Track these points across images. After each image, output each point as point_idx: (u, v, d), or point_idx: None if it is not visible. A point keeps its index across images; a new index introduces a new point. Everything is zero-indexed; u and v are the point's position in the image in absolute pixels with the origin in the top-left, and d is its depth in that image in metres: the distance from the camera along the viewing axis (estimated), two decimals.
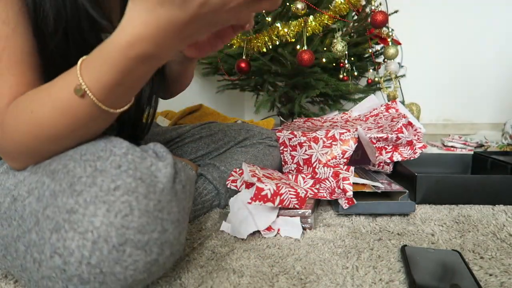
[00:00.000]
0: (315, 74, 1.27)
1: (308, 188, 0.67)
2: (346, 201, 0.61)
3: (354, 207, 0.62)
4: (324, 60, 1.18)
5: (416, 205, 0.69)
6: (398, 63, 1.49)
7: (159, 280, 0.42)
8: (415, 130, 0.87)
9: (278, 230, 0.56)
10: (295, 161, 0.81)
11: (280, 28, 1.07)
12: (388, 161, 0.81)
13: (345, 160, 0.78)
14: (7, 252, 0.36)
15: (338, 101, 1.54)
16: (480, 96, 2.02)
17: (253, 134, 0.79)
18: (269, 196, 0.56)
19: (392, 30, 1.38)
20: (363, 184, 0.68)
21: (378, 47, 1.53)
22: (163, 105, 1.39)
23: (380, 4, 1.43)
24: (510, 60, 1.96)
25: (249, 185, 0.63)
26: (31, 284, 0.34)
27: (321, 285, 0.41)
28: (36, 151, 0.37)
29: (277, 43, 1.09)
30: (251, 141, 0.78)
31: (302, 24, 1.05)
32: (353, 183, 0.65)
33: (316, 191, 0.66)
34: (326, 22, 1.05)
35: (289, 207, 0.57)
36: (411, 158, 0.80)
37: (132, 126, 0.58)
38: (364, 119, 0.98)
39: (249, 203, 0.55)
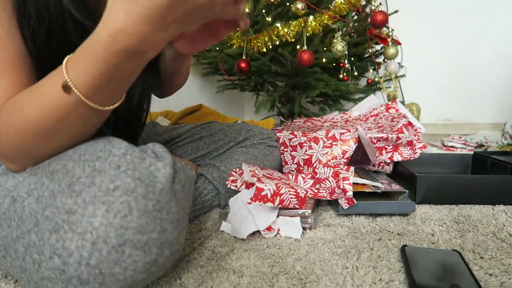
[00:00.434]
0: (315, 74, 1.27)
1: (308, 188, 0.67)
2: (346, 201, 0.61)
3: (354, 207, 0.62)
4: (324, 60, 1.18)
5: (416, 205, 0.69)
6: (398, 63, 1.49)
7: (159, 280, 0.42)
8: (415, 130, 0.87)
9: (278, 230, 0.56)
10: (295, 161, 0.81)
11: (280, 28, 1.07)
12: (388, 161, 0.81)
13: (345, 160, 0.78)
14: (6, 253, 0.36)
15: (338, 101, 1.54)
16: (480, 96, 2.02)
17: (254, 135, 0.79)
18: (269, 196, 0.56)
19: (392, 30, 1.38)
20: (363, 184, 0.67)
21: (378, 47, 1.53)
22: (163, 105, 1.39)
23: (380, 4, 1.43)
24: (510, 60, 1.96)
25: (249, 185, 0.63)
26: (31, 285, 0.34)
27: (321, 285, 0.41)
28: (28, 151, 0.37)
29: (277, 43, 1.09)
30: (251, 141, 0.78)
31: (302, 24, 1.05)
32: (353, 183, 0.65)
33: (316, 191, 0.66)
34: (326, 22, 1.05)
35: (289, 207, 0.57)
36: (411, 158, 0.80)
37: (126, 122, 0.58)
38: (364, 119, 0.98)
39: (249, 203, 0.55)
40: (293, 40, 1.08)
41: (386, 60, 1.40)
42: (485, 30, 1.96)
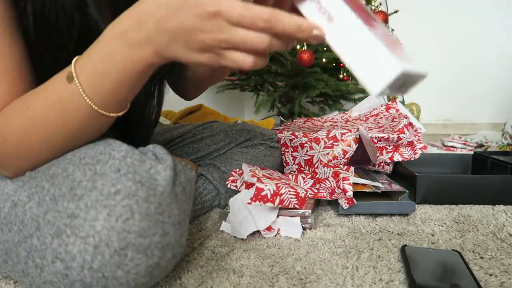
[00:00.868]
0: (315, 74, 1.27)
1: (308, 188, 0.67)
2: (346, 201, 0.61)
3: (354, 207, 0.62)
4: (324, 60, 1.18)
5: (416, 205, 0.69)
6: None
7: (159, 281, 0.42)
8: (415, 130, 0.87)
9: (278, 230, 0.56)
10: (296, 162, 0.82)
11: None
12: (389, 161, 0.81)
13: (345, 160, 0.78)
14: (7, 257, 0.36)
15: (338, 101, 1.54)
16: (480, 96, 2.03)
17: (255, 135, 0.79)
18: (269, 196, 0.56)
19: (392, 30, 1.38)
20: (363, 184, 0.68)
21: None
22: (163, 105, 1.39)
23: (380, 4, 1.43)
24: (510, 60, 1.96)
25: (249, 185, 0.63)
26: None
27: (321, 285, 0.41)
28: (27, 152, 0.37)
29: None
30: (252, 142, 0.78)
31: None
32: (353, 183, 0.65)
33: (316, 191, 0.66)
34: None
35: (289, 207, 0.58)
36: (412, 159, 0.80)
37: (135, 127, 0.58)
38: (364, 119, 0.98)
39: (249, 203, 0.55)
40: None
41: None
42: (485, 30, 1.96)
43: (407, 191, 0.64)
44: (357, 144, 0.78)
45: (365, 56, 0.30)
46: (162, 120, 1.26)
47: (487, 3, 1.93)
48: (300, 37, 0.31)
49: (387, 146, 0.81)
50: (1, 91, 0.38)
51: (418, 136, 0.86)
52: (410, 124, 0.82)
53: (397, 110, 0.97)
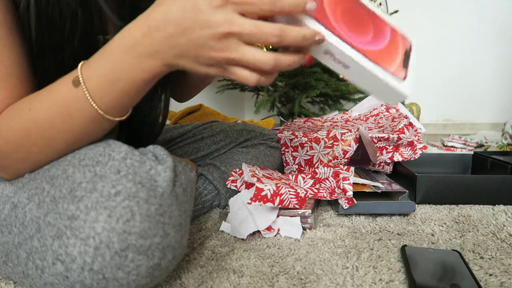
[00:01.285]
0: (315, 74, 1.28)
1: (308, 188, 0.67)
2: (346, 201, 0.61)
3: (354, 207, 0.62)
4: None
5: (416, 205, 0.69)
6: None
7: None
8: (415, 130, 0.87)
9: (278, 230, 0.56)
10: (296, 161, 0.82)
11: None
12: (389, 161, 0.81)
13: (346, 160, 0.78)
14: (8, 259, 0.36)
15: (338, 101, 1.54)
16: (480, 96, 2.03)
17: (255, 135, 0.79)
18: (269, 196, 0.56)
19: None
20: (363, 184, 0.68)
21: None
22: None
23: (380, 4, 1.43)
24: (510, 60, 1.96)
25: (249, 185, 0.63)
26: None
27: (321, 285, 0.41)
28: (27, 154, 0.37)
29: None
30: (252, 142, 0.78)
31: None
32: (353, 183, 0.65)
33: (316, 191, 0.66)
34: None
35: (289, 207, 0.58)
36: (412, 159, 0.80)
37: (140, 131, 0.58)
38: (364, 119, 0.98)
39: (249, 203, 0.55)
40: None
41: None
42: (485, 30, 1.96)
43: (407, 191, 0.64)
44: (357, 144, 0.78)
45: (379, 89, 0.37)
46: None
47: (487, 3, 1.93)
48: (306, 45, 0.34)
49: (387, 146, 0.81)
50: (1, 95, 0.38)
51: (418, 136, 0.86)
52: (410, 124, 0.82)
53: (397, 110, 0.97)
